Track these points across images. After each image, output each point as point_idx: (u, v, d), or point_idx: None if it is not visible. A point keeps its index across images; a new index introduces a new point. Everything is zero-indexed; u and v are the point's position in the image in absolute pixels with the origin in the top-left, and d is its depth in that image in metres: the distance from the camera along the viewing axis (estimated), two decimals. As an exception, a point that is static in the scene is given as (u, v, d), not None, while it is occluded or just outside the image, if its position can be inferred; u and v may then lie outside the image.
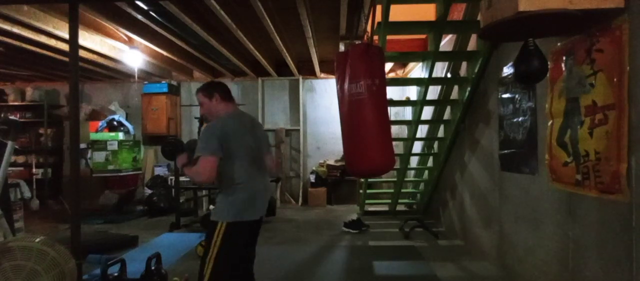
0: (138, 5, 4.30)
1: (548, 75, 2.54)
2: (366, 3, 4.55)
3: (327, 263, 4.16)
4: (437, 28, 4.06)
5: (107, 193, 7.00)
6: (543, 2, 1.98)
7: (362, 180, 6.36)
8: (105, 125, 7.74)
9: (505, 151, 3.59)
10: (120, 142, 7.28)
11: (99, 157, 7.07)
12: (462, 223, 4.86)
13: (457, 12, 4.47)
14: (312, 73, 7.93)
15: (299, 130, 8.25)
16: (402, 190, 6.28)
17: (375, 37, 4.12)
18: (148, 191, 7.23)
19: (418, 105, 4.81)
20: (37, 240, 2.52)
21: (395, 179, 6.16)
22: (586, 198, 2.39)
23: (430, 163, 6.00)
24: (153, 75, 7.79)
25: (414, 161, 6.49)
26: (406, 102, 5.94)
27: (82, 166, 6.53)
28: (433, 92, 5.03)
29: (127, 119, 8.14)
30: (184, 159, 2.57)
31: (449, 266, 3.96)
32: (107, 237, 4.98)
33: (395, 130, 5.70)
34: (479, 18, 3.72)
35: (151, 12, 4.49)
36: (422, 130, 5.64)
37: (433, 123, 5.44)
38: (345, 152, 3.84)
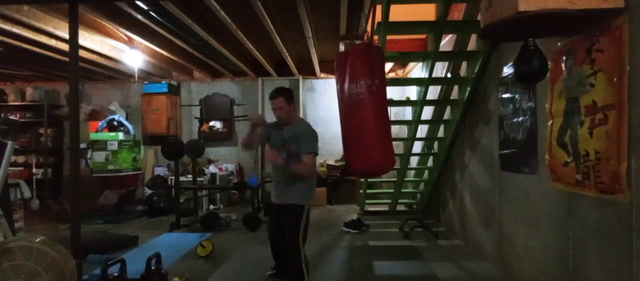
0: (138, 5, 4.30)
1: (548, 75, 2.54)
2: (366, 3, 4.55)
3: (327, 263, 4.16)
4: (437, 28, 4.06)
5: (107, 193, 7.00)
6: (543, 2, 1.98)
7: (362, 180, 6.36)
8: (105, 125, 7.74)
9: (505, 151, 3.59)
10: (120, 142, 7.29)
11: (99, 157, 7.07)
12: (462, 223, 4.86)
13: (457, 12, 4.47)
14: (312, 74, 7.93)
15: (299, 130, 8.24)
16: (402, 190, 6.28)
17: (375, 37, 4.12)
18: (148, 191, 7.24)
19: (418, 105, 4.81)
20: (37, 240, 2.52)
21: (395, 179, 6.15)
22: (586, 198, 2.39)
23: (430, 163, 6.00)
24: (153, 75, 7.79)
25: (414, 161, 6.49)
26: (406, 102, 5.94)
27: (82, 166, 6.55)
28: (433, 92, 5.03)
29: (127, 119, 8.14)
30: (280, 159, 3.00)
31: (449, 266, 3.95)
32: (107, 237, 4.98)
33: (395, 130, 5.69)
34: (479, 18, 3.72)
35: (151, 12, 4.49)
36: (422, 130, 5.64)
37: (433, 123, 5.44)
38: (345, 152, 3.84)
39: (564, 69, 2.55)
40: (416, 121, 4.99)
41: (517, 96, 3.36)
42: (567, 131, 2.52)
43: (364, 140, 3.53)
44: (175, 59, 6.56)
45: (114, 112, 8.09)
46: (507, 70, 3.55)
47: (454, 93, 4.88)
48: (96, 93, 8.53)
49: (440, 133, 5.42)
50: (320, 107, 8.28)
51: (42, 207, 7.25)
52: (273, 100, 3.07)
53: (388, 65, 7.00)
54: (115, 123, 7.76)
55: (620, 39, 2.05)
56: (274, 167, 3.17)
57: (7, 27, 4.70)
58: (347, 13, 4.82)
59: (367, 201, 6.63)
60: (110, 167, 7.12)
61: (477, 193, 4.37)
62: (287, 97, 3.06)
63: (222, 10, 4.28)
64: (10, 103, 8.10)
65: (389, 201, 6.64)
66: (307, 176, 3.05)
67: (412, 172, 6.51)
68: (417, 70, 6.93)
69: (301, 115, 8.20)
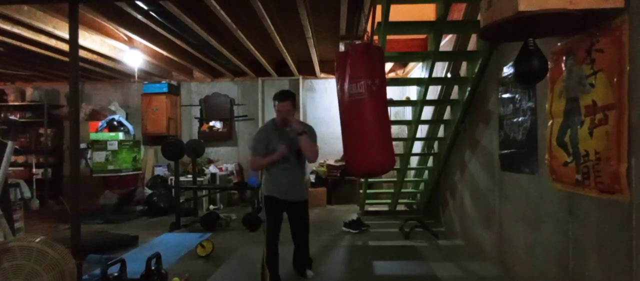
0: (138, 5, 4.30)
1: (548, 75, 2.54)
2: (366, 3, 4.55)
3: (327, 263, 4.16)
4: (437, 28, 4.06)
5: (107, 193, 6.99)
6: (543, 2, 1.98)
7: (362, 180, 6.36)
8: (105, 125, 7.74)
9: (505, 151, 3.59)
10: (120, 142, 7.28)
11: (99, 157, 7.07)
12: (462, 223, 4.86)
13: (457, 12, 4.47)
14: (312, 74, 7.93)
15: (299, 130, 8.24)
16: (402, 190, 6.28)
17: (375, 37, 4.12)
18: (148, 191, 7.23)
19: (418, 105, 4.81)
20: (37, 240, 2.52)
21: (395, 179, 6.15)
22: (586, 198, 2.39)
23: (430, 163, 6.00)
24: (153, 75, 7.79)
25: (414, 161, 6.49)
26: (406, 102, 5.94)
27: (82, 166, 6.55)
28: (433, 92, 5.03)
29: (127, 119, 8.14)
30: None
31: (449, 266, 3.95)
32: (107, 237, 4.98)
33: (395, 130, 5.69)
34: (479, 18, 3.71)
35: (151, 12, 4.50)
36: (422, 130, 5.64)
37: (433, 123, 5.44)
38: (345, 152, 3.84)
39: (564, 68, 2.55)
40: (416, 121, 4.99)
41: (517, 96, 3.36)
42: (567, 131, 2.52)
43: (364, 140, 3.53)
44: (175, 59, 6.56)
45: (114, 112, 8.08)
46: (507, 70, 3.54)
47: (454, 93, 4.88)
48: (96, 93, 8.53)
49: (440, 133, 5.42)
50: (320, 107, 8.28)
51: (42, 207, 7.26)
52: (283, 103, 3.30)
53: (388, 65, 7.00)
54: (115, 123, 7.76)
55: (620, 39, 2.05)
56: (284, 169, 3.39)
57: (7, 27, 4.70)
58: (347, 13, 4.81)
59: (367, 201, 6.63)
60: (110, 167, 7.11)
61: (477, 193, 4.37)
62: (294, 102, 3.39)
63: (222, 10, 4.28)
64: (10, 103, 8.11)
65: (389, 201, 6.63)
66: (312, 160, 3.55)
67: (412, 172, 6.51)
68: (417, 70, 6.93)
69: (301, 115, 8.22)
